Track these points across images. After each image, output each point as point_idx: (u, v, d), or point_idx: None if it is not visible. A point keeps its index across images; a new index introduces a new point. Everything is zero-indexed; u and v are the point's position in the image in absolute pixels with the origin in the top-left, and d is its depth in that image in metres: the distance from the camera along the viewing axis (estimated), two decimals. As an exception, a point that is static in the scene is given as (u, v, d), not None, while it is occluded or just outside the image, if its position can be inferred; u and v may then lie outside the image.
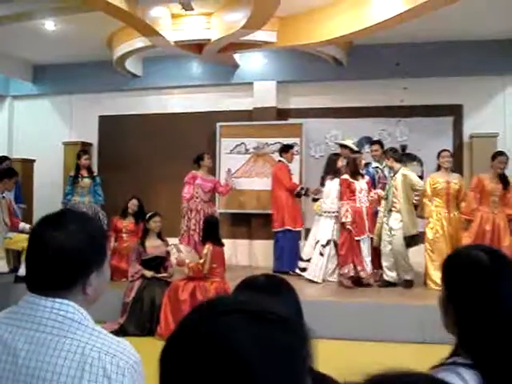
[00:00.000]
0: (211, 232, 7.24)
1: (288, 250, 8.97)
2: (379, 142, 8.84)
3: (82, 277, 1.55)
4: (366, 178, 8.18)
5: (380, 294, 7.56)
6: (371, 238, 7.99)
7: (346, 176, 8.03)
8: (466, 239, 7.45)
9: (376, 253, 8.05)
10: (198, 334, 0.84)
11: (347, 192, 7.95)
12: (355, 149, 8.58)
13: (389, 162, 7.94)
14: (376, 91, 9.60)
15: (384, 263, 7.95)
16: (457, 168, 9.08)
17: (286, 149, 9.26)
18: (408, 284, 7.69)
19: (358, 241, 7.89)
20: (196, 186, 9.09)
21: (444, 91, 9.35)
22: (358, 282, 7.86)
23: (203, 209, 9.06)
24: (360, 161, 8.22)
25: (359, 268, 7.83)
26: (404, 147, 9.47)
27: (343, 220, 7.85)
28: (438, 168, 7.92)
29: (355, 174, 8.05)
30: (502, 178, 7.55)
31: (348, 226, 7.81)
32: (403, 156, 8.79)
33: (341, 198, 8.02)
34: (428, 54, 9.10)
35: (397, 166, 7.85)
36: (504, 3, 7.54)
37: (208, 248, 7.05)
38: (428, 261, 7.69)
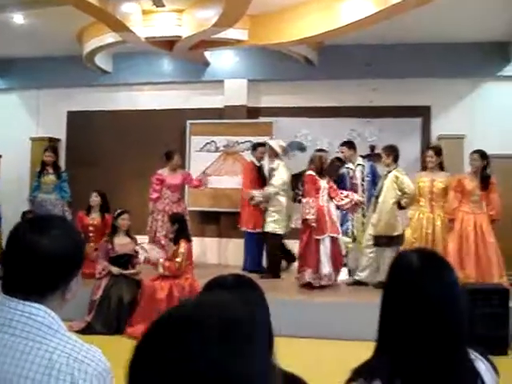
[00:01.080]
0: (183, 229, 7.26)
1: (251, 251, 9.02)
2: (348, 144, 8.85)
3: (64, 283, 1.55)
4: (326, 178, 8.10)
5: (351, 293, 7.60)
6: (332, 238, 7.87)
7: (311, 172, 7.94)
8: (450, 241, 7.39)
9: (339, 253, 8.03)
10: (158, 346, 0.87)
11: (313, 189, 7.86)
12: (279, 151, 8.65)
13: (387, 160, 7.93)
14: (346, 91, 9.66)
15: (362, 261, 7.99)
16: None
17: (254, 147, 9.24)
18: (381, 285, 7.59)
19: (317, 240, 7.74)
20: (164, 186, 9.04)
21: (413, 92, 9.45)
22: (310, 283, 7.73)
23: (171, 209, 8.96)
24: (325, 159, 8.16)
25: (310, 270, 7.68)
26: (373, 147, 9.54)
27: (307, 217, 7.68)
28: (426, 167, 7.89)
29: (320, 171, 8.02)
30: (482, 178, 7.40)
31: (313, 224, 7.68)
32: (375, 156, 8.85)
33: (304, 195, 7.97)
34: (398, 55, 9.18)
35: (393, 165, 7.88)
36: (474, 7, 7.65)
37: (183, 246, 7.06)
38: None
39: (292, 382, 1.80)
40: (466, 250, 7.29)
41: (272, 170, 8.77)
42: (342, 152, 8.71)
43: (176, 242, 7.18)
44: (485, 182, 7.38)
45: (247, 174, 9.13)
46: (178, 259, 7.02)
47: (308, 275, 7.66)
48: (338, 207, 8.06)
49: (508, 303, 6.46)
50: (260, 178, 9.07)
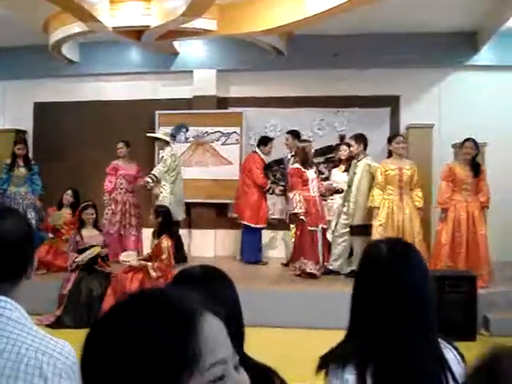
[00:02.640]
0: (167, 224, 7.22)
1: (249, 244, 9.10)
2: (292, 132, 8.98)
3: (30, 264, 1.55)
4: (314, 167, 8.22)
5: (323, 283, 7.64)
6: (323, 228, 7.99)
7: (297, 165, 8.00)
8: (444, 231, 7.38)
9: (327, 244, 8.13)
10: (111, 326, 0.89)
11: (299, 182, 7.91)
12: (168, 139, 8.82)
13: (358, 149, 7.95)
14: (315, 81, 9.67)
15: (334, 250, 8.02)
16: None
17: (264, 141, 9.18)
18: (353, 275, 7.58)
19: (314, 231, 7.83)
20: (119, 176, 9.07)
21: (382, 82, 9.50)
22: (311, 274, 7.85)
23: (128, 200, 9.04)
24: (309, 149, 8.21)
25: (310, 262, 7.79)
26: (342, 137, 9.59)
27: (296, 211, 7.76)
28: (390, 155, 7.90)
29: (305, 162, 8.04)
30: (473, 166, 7.40)
31: (301, 217, 7.75)
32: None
33: (292, 188, 7.99)
34: (367, 45, 9.21)
35: (362, 154, 7.92)
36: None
37: (166, 241, 7.00)
38: None
39: (263, 373, 1.80)
40: (459, 240, 7.30)
41: (162, 158, 8.88)
42: (287, 140, 8.91)
43: (158, 236, 7.13)
44: (476, 169, 7.41)
45: (260, 168, 9.07)
46: (164, 256, 6.96)
47: (309, 266, 7.74)
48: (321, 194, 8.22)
49: (476, 289, 6.56)
50: (264, 172, 9.14)
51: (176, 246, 7.84)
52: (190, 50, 10.05)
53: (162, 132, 9.00)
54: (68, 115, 10.39)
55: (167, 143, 8.84)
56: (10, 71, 10.38)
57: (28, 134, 10.66)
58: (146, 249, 8.20)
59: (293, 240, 8.34)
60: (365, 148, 8.01)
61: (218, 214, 9.97)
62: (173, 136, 9.33)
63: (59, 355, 1.43)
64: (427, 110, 9.40)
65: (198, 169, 9.79)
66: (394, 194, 7.65)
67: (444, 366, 1.67)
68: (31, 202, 9.04)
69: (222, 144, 9.90)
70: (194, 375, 0.83)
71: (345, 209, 7.99)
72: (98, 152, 9.94)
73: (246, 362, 1.79)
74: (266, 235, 9.51)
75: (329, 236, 8.25)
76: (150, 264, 6.99)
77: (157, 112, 10.04)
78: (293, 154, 8.71)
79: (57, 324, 6.69)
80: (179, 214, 8.75)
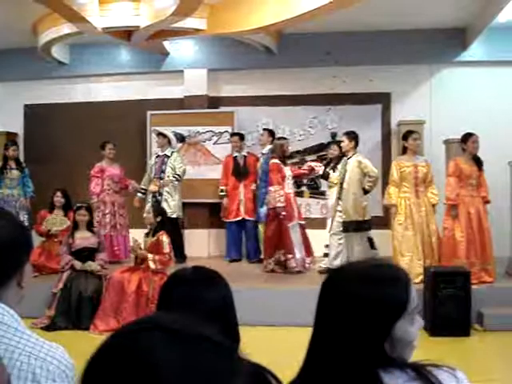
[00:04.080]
0: (165, 223, 7.26)
1: (228, 239, 9.37)
2: (268, 131, 9.12)
3: (20, 268, 1.52)
4: (289, 165, 8.31)
5: (318, 280, 7.62)
6: (300, 224, 8.04)
7: (276, 161, 8.04)
8: (458, 230, 7.28)
9: (308, 239, 8.16)
10: (120, 349, 0.80)
11: (278, 177, 7.94)
12: (174, 140, 9.24)
13: (350, 145, 7.93)
14: (307, 79, 9.68)
15: (332, 249, 8.02)
16: (385, 155, 9.31)
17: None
18: None
19: (289, 227, 7.87)
20: (106, 178, 9.10)
21: (373, 79, 9.52)
22: (284, 267, 7.95)
23: (116, 200, 9.12)
24: (287, 147, 8.27)
25: (289, 256, 7.85)
26: (334, 135, 9.60)
27: (278, 205, 7.78)
28: (403, 152, 7.85)
29: (283, 159, 8.09)
30: (476, 160, 7.40)
31: (283, 212, 7.77)
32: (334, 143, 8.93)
33: (270, 184, 8.01)
34: (357, 43, 9.22)
35: (353, 150, 7.92)
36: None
37: (166, 237, 7.02)
38: (397, 255, 7.40)
39: (259, 373, 1.79)
40: (471, 237, 7.26)
41: (166, 157, 9.10)
42: (262, 135, 9.13)
43: (155, 233, 7.13)
44: (480, 163, 7.42)
45: (224, 167, 9.37)
46: (167, 250, 6.97)
47: (291, 261, 7.84)
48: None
49: (470, 285, 6.57)
50: (235, 170, 9.26)
51: (177, 244, 8.13)
52: (181, 50, 10.03)
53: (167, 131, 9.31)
54: (59, 117, 10.35)
55: (169, 143, 9.15)
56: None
57: (19, 136, 10.62)
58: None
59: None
60: (356, 145, 7.99)
61: (210, 214, 9.94)
62: (177, 138, 9.61)
63: (52, 359, 1.41)
64: (418, 106, 9.42)
65: (189, 169, 9.74)
66: (410, 191, 7.59)
67: None
68: (23, 204, 9.03)
69: (214, 143, 9.88)
70: None
71: (339, 207, 7.99)
72: (90, 153, 9.87)
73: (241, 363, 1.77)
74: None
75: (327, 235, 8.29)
76: (150, 256, 6.93)
77: (148, 112, 10.01)
78: (262, 150, 8.93)
79: (50, 327, 6.68)
80: (181, 212, 9.17)
